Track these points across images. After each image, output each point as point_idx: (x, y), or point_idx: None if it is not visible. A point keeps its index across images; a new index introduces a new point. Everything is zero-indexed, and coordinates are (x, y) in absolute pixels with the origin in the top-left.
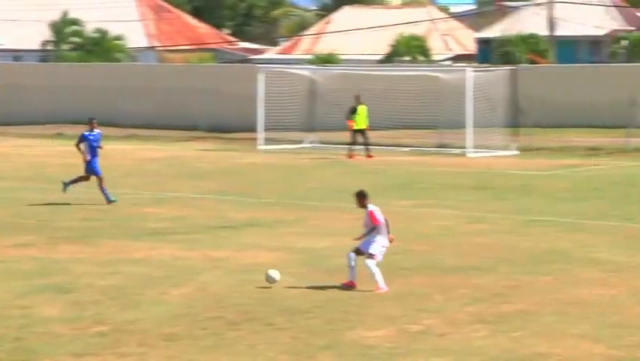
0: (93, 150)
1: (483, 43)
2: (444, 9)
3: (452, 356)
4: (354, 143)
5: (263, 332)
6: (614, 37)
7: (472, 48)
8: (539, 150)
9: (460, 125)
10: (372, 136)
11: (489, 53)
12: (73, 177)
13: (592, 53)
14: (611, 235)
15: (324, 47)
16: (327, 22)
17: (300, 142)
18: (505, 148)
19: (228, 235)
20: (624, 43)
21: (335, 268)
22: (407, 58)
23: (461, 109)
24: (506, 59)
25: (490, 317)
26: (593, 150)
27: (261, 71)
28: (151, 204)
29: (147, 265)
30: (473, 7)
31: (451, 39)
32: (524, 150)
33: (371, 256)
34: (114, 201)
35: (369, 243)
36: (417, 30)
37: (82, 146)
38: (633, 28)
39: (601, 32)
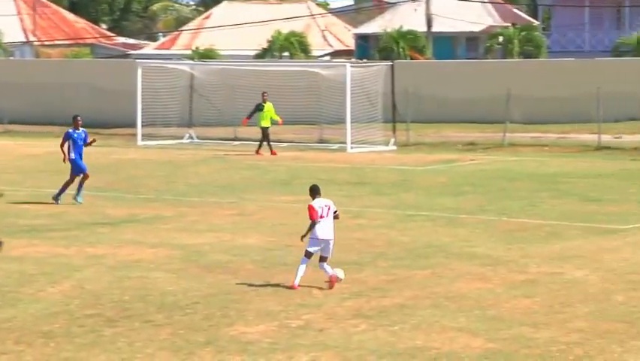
0: (78, 148)
1: (361, 39)
2: (323, 5)
3: (332, 351)
4: (268, 140)
5: (141, 328)
6: (489, 33)
7: (350, 44)
8: (418, 145)
9: (339, 120)
10: (252, 132)
11: (367, 49)
12: (60, 187)
13: (468, 48)
14: (488, 229)
15: (204, 42)
16: (206, 17)
17: (180, 138)
18: (384, 143)
19: (107, 232)
20: (501, 39)
21: (214, 264)
22: (286, 54)
23: (341, 104)
24: (385, 55)
25: (370, 312)
26: (471, 145)
27: (140, 67)
28: (28, 201)
29: (24, 263)
30: (352, 3)
31: (330, 35)
32: (403, 145)
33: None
34: (80, 203)
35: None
36: (296, 26)
37: (66, 145)
38: (508, 24)
39: (477, 28)
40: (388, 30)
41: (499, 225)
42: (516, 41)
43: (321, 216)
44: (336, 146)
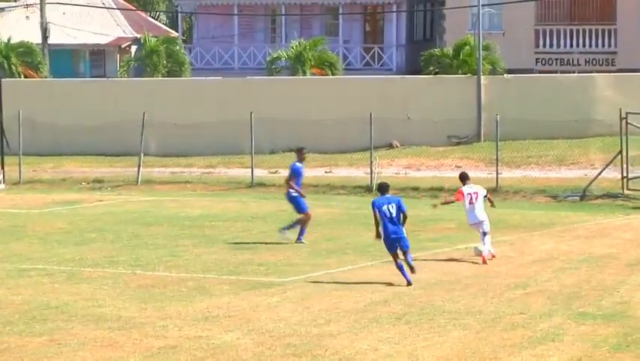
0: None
1: None
2: None
3: None
4: None
5: None
6: (120, 46)
7: None
8: (32, 183)
9: None
10: None
11: None
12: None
13: (93, 65)
14: (118, 285)
15: None
16: None
17: None
18: None
19: None
20: (134, 52)
21: None
22: None
23: None
24: None
25: None
26: (97, 183)
27: None
28: None
29: None
30: None
31: None
32: (14, 183)
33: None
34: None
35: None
36: None
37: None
38: (140, 35)
39: (103, 40)
40: None
41: (131, 280)
42: (158, 56)
43: (470, 202)
44: None
